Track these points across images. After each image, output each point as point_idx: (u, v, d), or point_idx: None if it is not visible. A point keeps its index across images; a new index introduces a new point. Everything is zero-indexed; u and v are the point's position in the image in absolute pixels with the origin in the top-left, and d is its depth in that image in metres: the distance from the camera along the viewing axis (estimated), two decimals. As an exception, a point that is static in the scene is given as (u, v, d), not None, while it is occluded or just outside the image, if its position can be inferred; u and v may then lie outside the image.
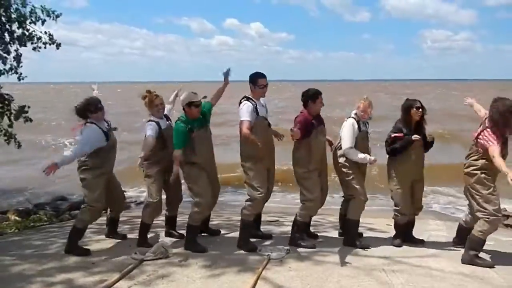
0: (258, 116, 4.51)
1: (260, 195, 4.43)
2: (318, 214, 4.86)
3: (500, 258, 4.31)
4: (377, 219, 5.52)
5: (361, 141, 4.63)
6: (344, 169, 4.67)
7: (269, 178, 4.70)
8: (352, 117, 4.68)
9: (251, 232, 4.74)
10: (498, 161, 3.89)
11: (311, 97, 4.61)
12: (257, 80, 4.56)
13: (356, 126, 4.62)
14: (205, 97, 4.62)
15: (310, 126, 4.54)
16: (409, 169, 4.59)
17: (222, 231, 5.19)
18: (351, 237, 4.67)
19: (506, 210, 7.45)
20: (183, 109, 4.46)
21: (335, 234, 5.17)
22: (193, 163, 4.45)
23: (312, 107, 4.61)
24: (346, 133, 4.58)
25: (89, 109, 4.47)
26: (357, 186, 4.61)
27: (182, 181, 4.73)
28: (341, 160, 4.68)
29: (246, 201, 4.54)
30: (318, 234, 5.10)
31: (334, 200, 6.04)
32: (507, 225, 6.78)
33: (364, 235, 5.04)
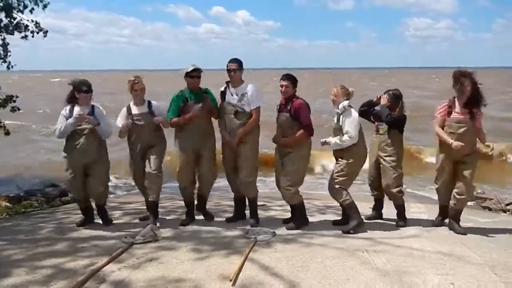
0: (223, 101, 4.77)
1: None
2: (305, 199, 4.96)
3: (477, 238, 4.48)
4: (361, 203, 5.64)
5: (333, 132, 4.77)
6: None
7: (238, 162, 4.82)
8: None
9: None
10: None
11: None
12: (226, 65, 4.76)
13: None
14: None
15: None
16: (371, 152, 4.95)
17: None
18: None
19: (484, 193, 7.67)
20: None
21: (320, 217, 5.32)
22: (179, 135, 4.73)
23: None
24: None
25: (79, 88, 4.63)
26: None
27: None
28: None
29: None
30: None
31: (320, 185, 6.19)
32: (484, 207, 7.00)
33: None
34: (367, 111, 4.93)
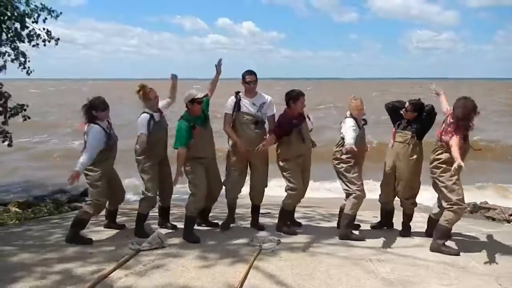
0: (238, 111, 4.80)
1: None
2: (308, 207, 5.03)
3: (481, 248, 4.49)
4: (364, 211, 5.67)
5: (360, 140, 4.77)
6: (342, 165, 4.82)
7: (253, 172, 5.01)
8: (350, 117, 4.80)
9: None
10: (455, 150, 4.17)
11: (293, 98, 4.80)
12: (244, 76, 4.85)
13: (356, 125, 4.76)
14: (206, 94, 4.78)
15: (289, 126, 4.79)
16: (388, 159, 4.93)
17: (217, 222, 5.33)
18: (344, 230, 4.81)
19: (487, 203, 7.65)
20: (186, 106, 4.67)
21: (324, 226, 5.34)
22: (193, 157, 4.65)
23: (293, 107, 4.81)
24: (348, 130, 4.66)
25: (98, 107, 4.60)
26: (355, 182, 4.76)
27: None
28: (341, 156, 4.81)
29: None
30: (310, 225, 5.27)
31: (326, 193, 6.20)
32: (488, 217, 6.97)
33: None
34: (397, 108, 4.91)
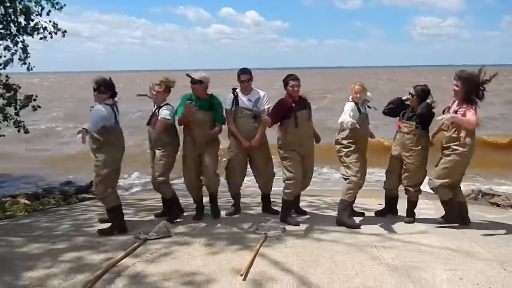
0: (237, 106, 5.01)
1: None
2: (314, 195, 5.05)
3: (486, 234, 4.51)
4: (369, 199, 5.69)
5: (362, 124, 4.77)
6: (342, 150, 4.85)
7: (256, 164, 5.17)
8: (350, 101, 4.85)
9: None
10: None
11: (284, 82, 4.88)
12: (238, 75, 5.04)
13: (356, 108, 4.81)
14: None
15: (286, 110, 4.80)
16: (393, 147, 4.96)
17: (223, 212, 5.37)
18: (339, 216, 4.85)
19: (492, 190, 7.64)
20: None
21: (329, 213, 5.37)
22: (185, 141, 4.98)
23: (287, 92, 4.85)
24: (345, 111, 4.76)
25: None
26: (353, 167, 4.77)
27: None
28: (342, 141, 4.85)
29: None
30: (315, 213, 5.30)
31: (331, 182, 6.21)
32: (492, 203, 6.98)
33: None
34: (396, 110, 4.93)
